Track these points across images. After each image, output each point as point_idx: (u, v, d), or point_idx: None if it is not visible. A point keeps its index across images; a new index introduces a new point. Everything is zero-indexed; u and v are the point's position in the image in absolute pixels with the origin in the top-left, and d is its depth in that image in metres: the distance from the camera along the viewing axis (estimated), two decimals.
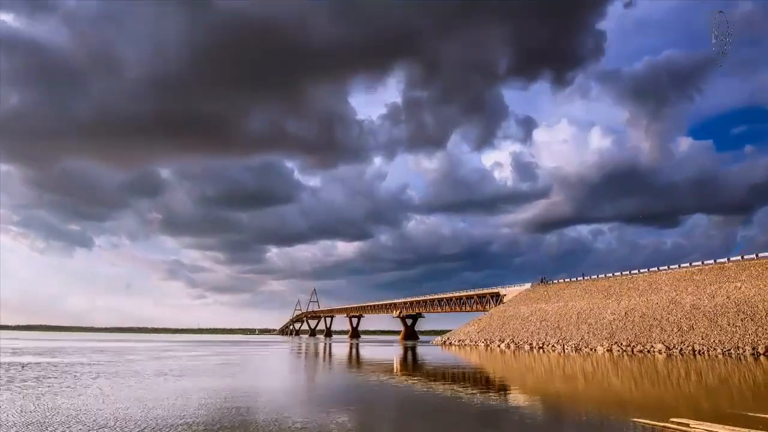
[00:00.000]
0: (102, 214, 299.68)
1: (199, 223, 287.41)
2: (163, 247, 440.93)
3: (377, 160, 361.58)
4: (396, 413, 13.58)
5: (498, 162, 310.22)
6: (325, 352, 54.96)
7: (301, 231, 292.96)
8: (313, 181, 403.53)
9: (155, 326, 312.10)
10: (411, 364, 36.37)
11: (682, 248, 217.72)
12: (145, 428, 9.79)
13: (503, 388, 19.54)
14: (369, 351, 59.22)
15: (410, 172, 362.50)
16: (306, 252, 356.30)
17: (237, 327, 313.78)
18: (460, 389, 18.09)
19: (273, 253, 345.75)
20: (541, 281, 79.78)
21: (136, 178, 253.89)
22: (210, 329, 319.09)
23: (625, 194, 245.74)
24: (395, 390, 18.43)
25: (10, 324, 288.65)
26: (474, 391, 17.41)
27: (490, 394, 16.96)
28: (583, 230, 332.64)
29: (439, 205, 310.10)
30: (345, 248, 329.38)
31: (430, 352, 53.96)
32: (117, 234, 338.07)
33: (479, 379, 23.50)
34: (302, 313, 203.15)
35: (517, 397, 16.25)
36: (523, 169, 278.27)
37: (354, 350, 60.29)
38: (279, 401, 15.27)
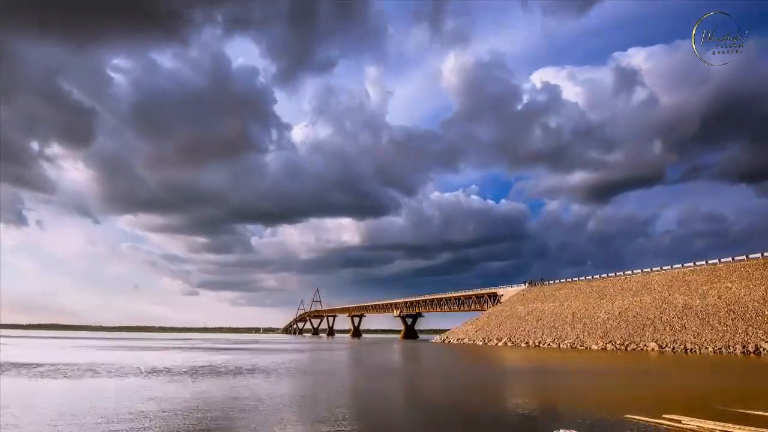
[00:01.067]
0: (14, 176, 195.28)
1: (154, 191, 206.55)
2: (122, 230, 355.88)
3: (386, 58, 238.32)
4: None
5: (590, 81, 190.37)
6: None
7: (288, 203, 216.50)
8: (294, 109, 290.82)
9: (162, 325, 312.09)
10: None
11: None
12: None
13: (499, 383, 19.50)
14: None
15: (437, 87, 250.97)
16: (298, 235, 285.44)
17: (242, 326, 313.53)
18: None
19: (260, 241, 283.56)
20: (529, 283, 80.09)
21: (34, 99, 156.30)
22: (216, 328, 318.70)
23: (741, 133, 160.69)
24: None
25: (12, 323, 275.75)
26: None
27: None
28: (651, 196, 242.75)
29: (469, 152, 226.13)
30: (346, 230, 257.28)
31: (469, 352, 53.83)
32: (51, 207, 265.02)
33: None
34: (305, 312, 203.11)
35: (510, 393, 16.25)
36: (624, 81, 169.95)
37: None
38: None
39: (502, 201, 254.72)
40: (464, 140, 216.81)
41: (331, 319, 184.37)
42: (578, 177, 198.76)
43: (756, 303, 42.09)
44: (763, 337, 37.43)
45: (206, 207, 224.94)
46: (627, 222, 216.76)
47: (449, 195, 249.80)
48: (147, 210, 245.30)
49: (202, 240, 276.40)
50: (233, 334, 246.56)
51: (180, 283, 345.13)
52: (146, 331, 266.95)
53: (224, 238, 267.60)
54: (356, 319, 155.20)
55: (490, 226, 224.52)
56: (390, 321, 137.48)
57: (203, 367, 25.26)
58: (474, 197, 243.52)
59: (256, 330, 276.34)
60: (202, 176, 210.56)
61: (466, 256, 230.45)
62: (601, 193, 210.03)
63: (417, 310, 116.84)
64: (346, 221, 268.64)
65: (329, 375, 23.45)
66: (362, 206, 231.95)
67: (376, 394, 16.79)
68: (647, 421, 10.01)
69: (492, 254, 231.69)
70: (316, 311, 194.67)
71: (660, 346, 42.98)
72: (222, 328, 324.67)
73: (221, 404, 12.64)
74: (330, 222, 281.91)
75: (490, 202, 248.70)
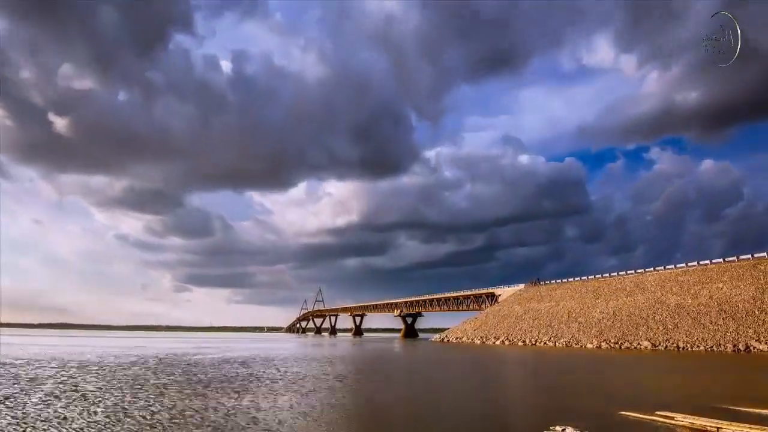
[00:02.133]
0: None
1: (62, 133, 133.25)
2: (54, 201, 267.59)
3: None
4: None
5: None
6: None
7: (265, 150, 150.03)
8: None
9: (169, 324, 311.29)
10: None
11: None
12: None
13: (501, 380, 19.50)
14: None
15: None
16: (285, 208, 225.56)
17: (247, 325, 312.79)
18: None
19: (240, 223, 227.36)
20: (533, 281, 79.92)
21: None
22: (221, 327, 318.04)
23: None
24: None
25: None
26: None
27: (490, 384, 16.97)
28: None
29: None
30: (346, 202, 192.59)
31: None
32: None
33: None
34: (308, 311, 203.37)
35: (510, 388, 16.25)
36: None
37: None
38: None
39: (541, 160, 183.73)
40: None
41: (333, 318, 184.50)
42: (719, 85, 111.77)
43: (746, 303, 42.08)
44: (753, 336, 37.42)
45: (144, 160, 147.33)
46: (720, 180, 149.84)
47: (481, 152, 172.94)
48: (64, 164, 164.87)
49: (160, 218, 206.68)
50: (242, 333, 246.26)
51: (169, 278, 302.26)
52: (152, 330, 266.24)
53: (185, 214, 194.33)
54: (357, 319, 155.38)
55: (531, 194, 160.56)
56: (390, 320, 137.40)
57: None
58: (501, 151, 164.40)
59: (261, 329, 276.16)
60: (116, 92, 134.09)
61: (494, 238, 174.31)
62: (730, 117, 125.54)
63: (417, 310, 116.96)
64: (347, 187, 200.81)
65: None
66: (370, 157, 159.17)
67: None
68: (641, 418, 10.05)
69: (525, 236, 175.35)
70: (318, 311, 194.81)
71: (653, 345, 42.94)
72: (227, 327, 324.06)
73: None
74: (327, 187, 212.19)
75: (529, 157, 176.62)
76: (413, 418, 11.54)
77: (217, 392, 13.83)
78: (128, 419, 9.85)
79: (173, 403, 11.92)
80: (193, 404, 11.70)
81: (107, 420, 9.73)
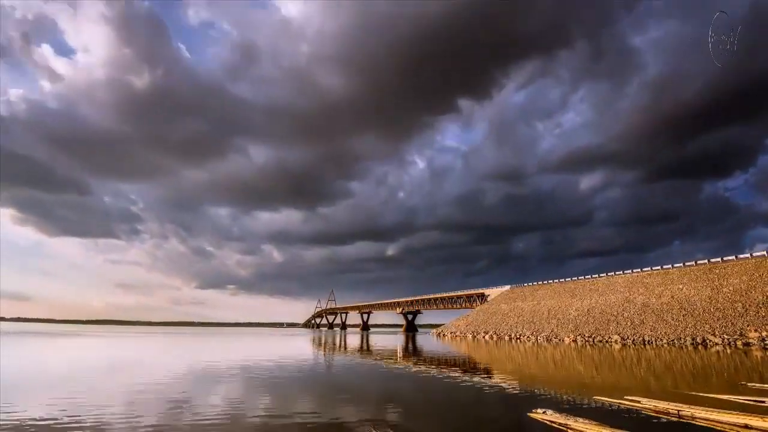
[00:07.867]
0: None
1: None
2: None
3: None
4: None
5: None
6: None
7: None
8: None
9: (201, 320, 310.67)
10: None
11: None
12: None
13: (489, 372, 19.48)
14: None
15: None
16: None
17: (266, 321, 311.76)
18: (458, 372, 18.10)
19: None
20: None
21: None
22: (246, 323, 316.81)
23: None
24: None
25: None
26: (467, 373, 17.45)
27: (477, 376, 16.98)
28: None
29: None
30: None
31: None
32: None
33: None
34: (322, 309, 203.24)
35: (499, 379, 16.26)
36: None
37: None
38: None
39: None
40: None
41: (343, 315, 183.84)
42: None
43: (703, 302, 41.76)
44: (709, 331, 37.06)
45: None
46: None
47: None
48: None
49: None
50: (263, 328, 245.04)
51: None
52: (188, 326, 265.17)
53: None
54: (365, 316, 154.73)
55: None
56: (392, 317, 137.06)
57: None
58: None
59: (280, 325, 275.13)
60: None
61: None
62: None
63: (416, 308, 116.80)
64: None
65: None
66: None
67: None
68: (612, 402, 10.14)
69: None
70: (331, 309, 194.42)
71: (622, 339, 42.57)
72: (251, 323, 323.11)
73: None
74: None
75: None
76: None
77: None
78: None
79: None
80: None
81: None
